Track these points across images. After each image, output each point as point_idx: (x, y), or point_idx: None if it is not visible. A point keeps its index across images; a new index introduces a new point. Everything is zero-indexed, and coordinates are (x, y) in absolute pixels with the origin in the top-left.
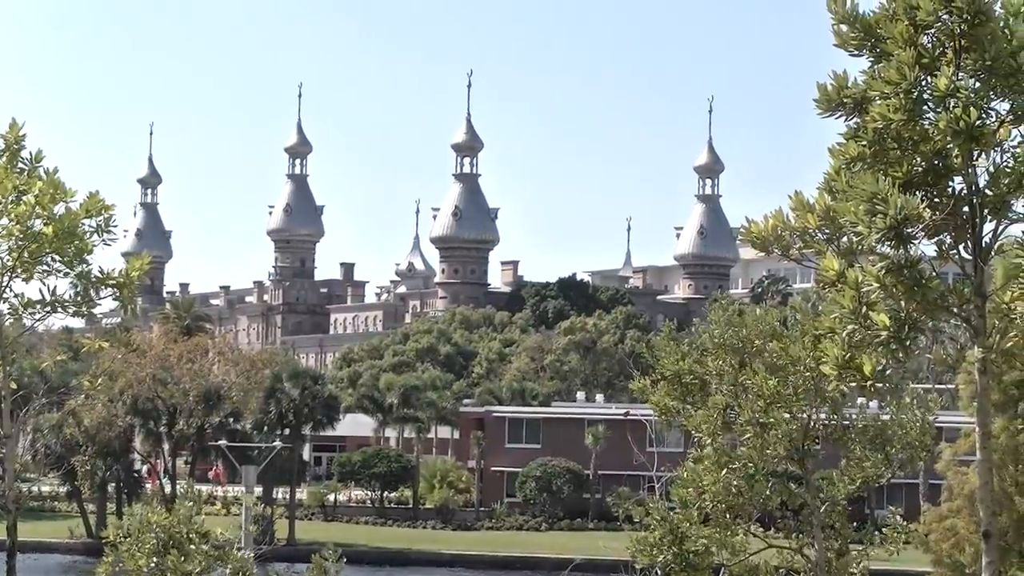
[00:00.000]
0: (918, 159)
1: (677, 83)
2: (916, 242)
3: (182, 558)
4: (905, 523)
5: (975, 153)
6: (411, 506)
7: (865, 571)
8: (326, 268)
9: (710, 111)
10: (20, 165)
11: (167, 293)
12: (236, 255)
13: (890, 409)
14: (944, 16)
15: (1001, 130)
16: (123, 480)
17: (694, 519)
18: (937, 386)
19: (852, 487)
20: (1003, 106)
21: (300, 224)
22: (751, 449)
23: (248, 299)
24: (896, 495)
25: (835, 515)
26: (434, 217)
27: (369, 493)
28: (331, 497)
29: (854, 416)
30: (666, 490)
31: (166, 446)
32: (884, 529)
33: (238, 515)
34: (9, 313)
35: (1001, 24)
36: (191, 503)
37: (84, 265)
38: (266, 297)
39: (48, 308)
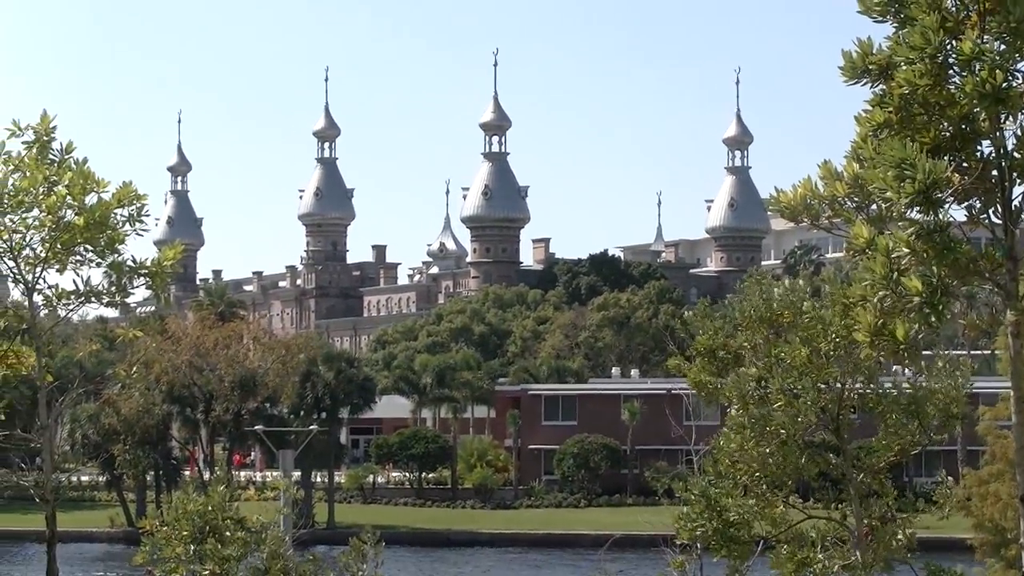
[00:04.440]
0: (945, 124)
1: (704, 55)
2: (946, 207)
3: (219, 544)
4: (955, 485)
5: (1002, 116)
6: (449, 486)
7: (912, 538)
8: (358, 251)
9: (737, 83)
10: (50, 157)
11: (200, 280)
12: (268, 240)
13: (922, 376)
14: None
15: None
16: (161, 467)
17: (730, 491)
18: (972, 352)
19: (890, 455)
20: None
21: (331, 208)
22: (783, 416)
23: (281, 284)
24: (934, 462)
25: (876, 483)
26: (464, 197)
27: (407, 474)
28: (369, 479)
29: (888, 385)
30: (700, 464)
31: (203, 433)
32: (935, 493)
33: (274, 499)
34: (43, 304)
35: None
36: (224, 488)
37: (117, 255)
38: (299, 281)
39: (82, 299)
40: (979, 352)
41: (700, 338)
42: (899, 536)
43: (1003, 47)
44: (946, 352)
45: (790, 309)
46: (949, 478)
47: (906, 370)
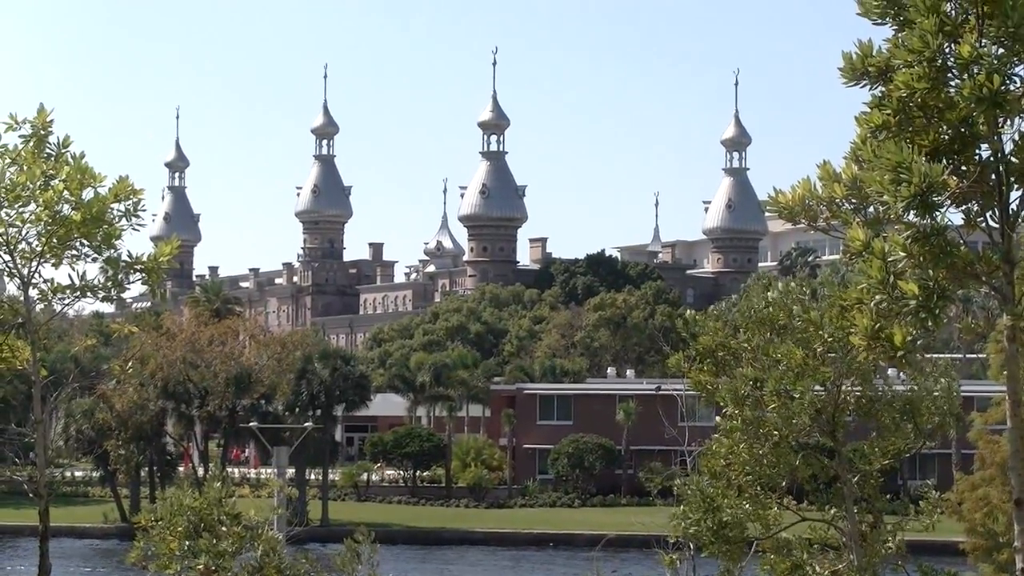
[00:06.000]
0: (943, 127)
1: (703, 57)
2: (943, 210)
3: (214, 540)
4: (939, 495)
5: (1000, 120)
6: (444, 485)
7: (902, 544)
8: (355, 248)
9: (736, 84)
10: (47, 151)
11: (196, 276)
12: (265, 237)
13: (915, 380)
14: None
15: None
16: (156, 463)
17: (725, 491)
18: (968, 355)
19: (884, 459)
20: None
21: (328, 205)
22: (778, 418)
23: (278, 281)
24: (928, 465)
25: (867, 487)
26: (462, 196)
27: (402, 473)
28: (364, 477)
29: (882, 387)
30: (695, 463)
31: (198, 429)
32: (920, 502)
33: (269, 497)
34: (39, 299)
35: None
36: (220, 484)
37: (113, 250)
38: (295, 279)
39: (77, 293)
40: (974, 356)
41: (702, 338)
42: (889, 543)
43: (1001, 51)
44: (935, 356)
45: (784, 311)
46: (933, 489)
47: (900, 373)
